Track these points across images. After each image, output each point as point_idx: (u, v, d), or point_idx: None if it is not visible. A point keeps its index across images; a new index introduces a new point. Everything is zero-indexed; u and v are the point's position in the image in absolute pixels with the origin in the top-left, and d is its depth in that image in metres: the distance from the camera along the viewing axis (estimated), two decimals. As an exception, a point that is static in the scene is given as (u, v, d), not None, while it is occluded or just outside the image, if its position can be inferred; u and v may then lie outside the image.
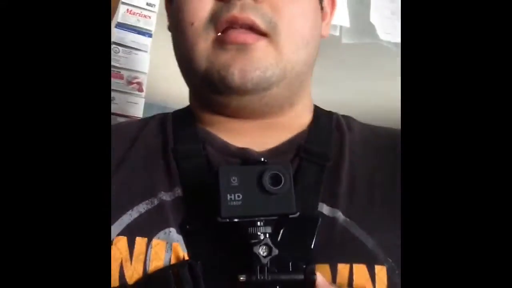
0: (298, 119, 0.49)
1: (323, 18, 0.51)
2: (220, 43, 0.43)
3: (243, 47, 0.43)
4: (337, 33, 1.26)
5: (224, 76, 0.43)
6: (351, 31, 1.29)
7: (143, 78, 1.01)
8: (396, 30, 1.24)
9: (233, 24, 0.43)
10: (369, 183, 0.44)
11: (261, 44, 0.43)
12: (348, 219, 0.41)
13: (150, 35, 1.04)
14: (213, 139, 0.47)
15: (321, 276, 0.36)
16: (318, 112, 0.52)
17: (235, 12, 0.43)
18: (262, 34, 0.43)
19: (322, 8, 0.51)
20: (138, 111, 1.01)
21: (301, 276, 0.37)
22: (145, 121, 0.52)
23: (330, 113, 0.52)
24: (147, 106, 1.02)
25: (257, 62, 0.43)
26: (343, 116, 0.52)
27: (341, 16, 1.24)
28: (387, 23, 1.25)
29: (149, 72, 1.03)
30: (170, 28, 0.50)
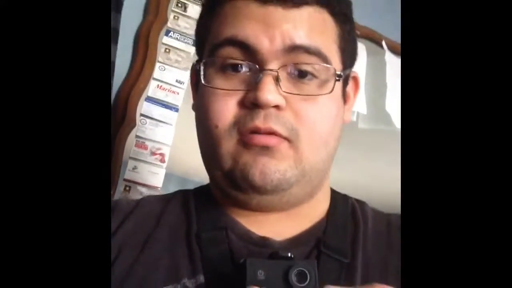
0: (317, 207, 0.51)
1: (345, 101, 0.53)
2: (245, 144, 0.46)
3: (265, 149, 0.45)
4: (354, 119, 1.31)
5: (246, 176, 0.45)
6: (367, 117, 1.34)
7: (166, 150, 1.05)
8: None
9: (255, 132, 0.45)
10: (383, 271, 0.45)
11: (282, 148, 0.45)
12: None
13: (176, 110, 1.08)
14: (235, 225, 0.49)
15: None
16: (335, 198, 0.53)
17: (258, 122, 0.45)
18: (284, 138, 0.45)
19: (345, 93, 0.52)
20: (159, 181, 1.03)
21: None
22: (167, 199, 0.53)
23: (345, 199, 0.54)
24: (167, 176, 1.04)
25: (277, 165, 0.45)
26: (357, 201, 0.54)
27: (358, 103, 1.29)
28: (403, 112, 1.30)
29: (172, 144, 1.06)
30: (195, 114, 0.52)
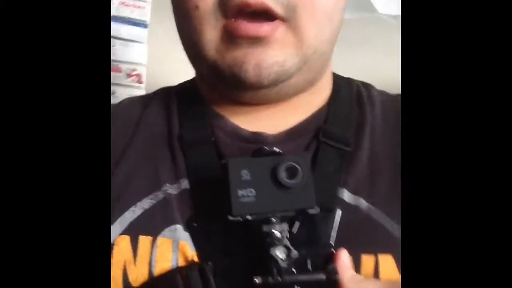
0: (318, 95, 0.44)
1: None
2: (230, 34, 0.38)
3: (257, 41, 0.37)
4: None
5: (237, 73, 0.37)
6: (348, 6, 1.25)
7: (142, 70, 0.99)
8: (393, 2, 1.20)
9: (245, 9, 0.37)
10: (392, 163, 0.39)
11: (278, 34, 0.37)
12: (371, 206, 0.37)
13: (145, 26, 1.01)
14: (223, 122, 0.42)
15: (350, 271, 0.34)
16: (337, 82, 0.46)
17: None
18: (279, 19, 0.37)
19: None
20: (138, 104, 0.98)
21: (323, 276, 0.34)
22: (147, 99, 0.47)
23: (349, 82, 0.46)
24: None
25: (275, 57, 0.37)
26: (363, 84, 0.47)
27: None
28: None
29: (148, 65, 1.00)
30: (173, 10, 0.44)
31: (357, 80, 0.47)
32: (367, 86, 0.47)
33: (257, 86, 0.38)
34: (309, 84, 0.43)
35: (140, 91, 0.98)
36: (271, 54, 0.37)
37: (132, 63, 0.98)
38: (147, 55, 1.00)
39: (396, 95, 0.46)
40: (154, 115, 0.45)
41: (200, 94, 0.45)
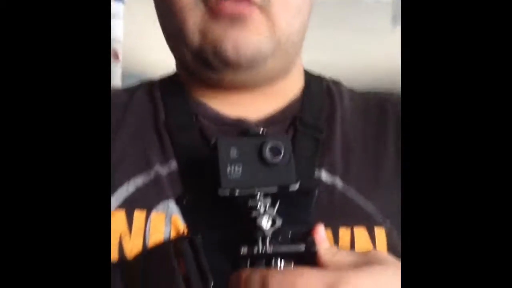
0: (291, 86, 0.49)
1: None
2: (213, 14, 0.41)
3: (236, 19, 0.41)
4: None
5: (218, 51, 0.41)
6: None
7: (118, 46, 0.97)
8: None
9: None
10: (362, 149, 0.44)
11: (255, 16, 0.41)
12: (346, 185, 0.42)
13: (121, 1, 0.99)
14: (205, 109, 0.46)
15: (326, 244, 0.37)
16: (309, 77, 0.51)
17: None
18: (256, 6, 0.41)
19: None
20: (116, 80, 0.98)
21: (302, 248, 0.37)
22: (131, 90, 0.50)
23: (320, 79, 0.52)
24: (126, 76, 0.98)
25: (251, 37, 0.41)
26: (333, 81, 0.52)
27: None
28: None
29: (124, 41, 0.99)
30: (154, 3, 0.47)
31: (327, 77, 0.52)
32: (336, 83, 0.52)
33: (236, 66, 0.42)
34: (283, 71, 0.47)
35: (117, 69, 0.97)
36: (248, 36, 0.41)
37: (108, 39, 0.97)
38: (123, 32, 0.99)
39: (363, 92, 0.52)
40: (139, 104, 0.47)
41: (181, 85, 0.48)
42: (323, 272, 0.32)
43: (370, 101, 0.49)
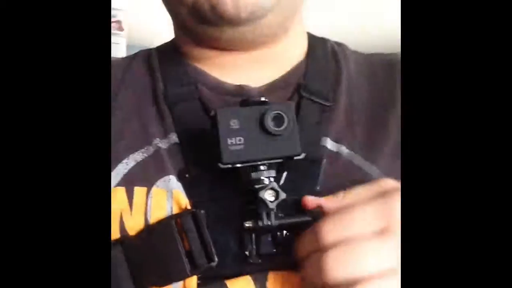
0: (293, 49, 0.47)
1: None
2: None
3: None
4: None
5: (215, 5, 0.39)
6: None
7: (122, 16, 0.95)
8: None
9: None
10: (368, 114, 0.43)
11: None
12: (352, 152, 0.40)
13: (125, -32, 0.96)
14: (205, 77, 0.44)
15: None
16: (312, 41, 0.49)
17: None
18: None
19: None
20: (121, 52, 0.96)
21: (309, 218, 0.36)
22: (128, 60, 0.48)
23: (324, 41, 0.49)
24: (131, 48, 0.96)
25: None
26: (337, 43, 0.50)
27: None
28: None
29: (128, 12, 0.96)
30: None
31: (331, 40, 0.50)
32: (341, 45, 0.49)
33: (235, 19, 0.40)
34: (282, 28, 0.44)
35: (121, 39, 0.95)
36: None
37: (112, 8, 0.95)
38: (127, 0, 0.96)
39: (368, 54, 0.49)
40: (137, 74, 0.45)
41: (180, 52, 0.46)
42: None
43: (376, 64, 0.47)
